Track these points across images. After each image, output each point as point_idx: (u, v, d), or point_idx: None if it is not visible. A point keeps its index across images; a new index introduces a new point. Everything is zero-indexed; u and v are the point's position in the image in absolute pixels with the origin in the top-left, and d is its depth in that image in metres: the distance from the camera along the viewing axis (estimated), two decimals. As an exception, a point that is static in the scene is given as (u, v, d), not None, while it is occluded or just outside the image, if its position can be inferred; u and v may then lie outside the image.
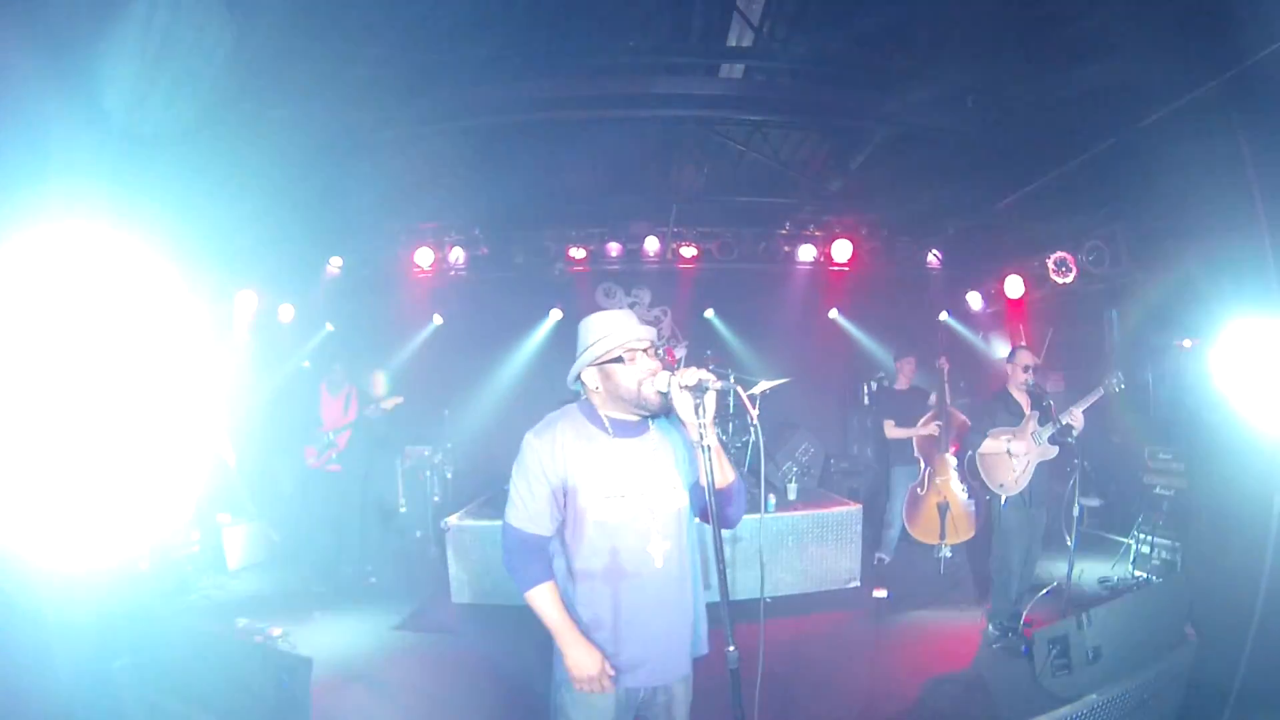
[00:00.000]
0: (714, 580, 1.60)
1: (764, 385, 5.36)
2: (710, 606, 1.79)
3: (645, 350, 1.78)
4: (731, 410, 5.42)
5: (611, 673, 1.72)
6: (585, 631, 1.75)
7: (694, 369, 1.64)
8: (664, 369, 1.76)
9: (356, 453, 5.16)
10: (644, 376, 1.74)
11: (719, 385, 1.62)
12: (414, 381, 6.44)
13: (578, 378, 1.85)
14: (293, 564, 5.51)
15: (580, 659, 1.71)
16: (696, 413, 1.61)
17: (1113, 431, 5.47)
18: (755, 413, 1.66)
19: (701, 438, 1.60)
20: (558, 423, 1.81)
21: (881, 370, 7.39)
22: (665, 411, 1.78)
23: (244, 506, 5.84)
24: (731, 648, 1.53)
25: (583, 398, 1.89)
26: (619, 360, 1.76)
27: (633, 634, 1.76)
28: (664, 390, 1.70)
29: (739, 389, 1.73)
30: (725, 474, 1.74)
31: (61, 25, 2.97)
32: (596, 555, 1.75)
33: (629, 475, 1.77)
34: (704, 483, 1.66)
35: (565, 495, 1.76)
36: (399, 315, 7.21)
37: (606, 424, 1.81)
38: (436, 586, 4.86)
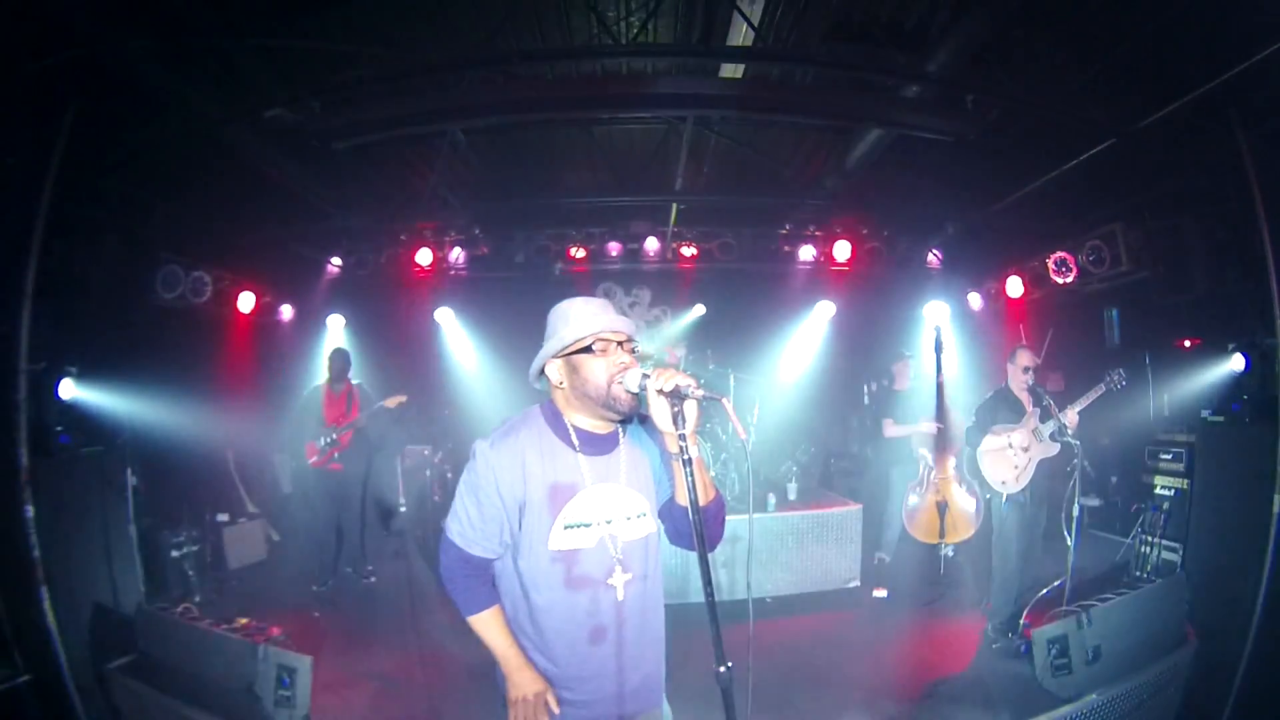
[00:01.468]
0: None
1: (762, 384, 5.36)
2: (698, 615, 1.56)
3: (621, 344, 1.58)
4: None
5: (555, 703, 1.59)
6: (536, 660, 1.61)
7: (672, 372, 1.44)
8: (636, 367, 1.54)
9: (358, 452, 5.16)
10: (616, 372, 1.54)
11: (700, 394, 1.41)
12: (414, 381, 6.44)
13: (541, 372, 1.64)
14: (293, 564, 5.52)
15: (524, 686, 1.57)
16: (675, 422, 1.41)
17: (1102, 434, 5.47)
18: (748, 434, 1.47)
19: (682, 450, 1.41)
20: (519, 431, 1.60)
21: (885, 375, 7.38)
22: (636, 415, 1.63)
23: (244, 506, 5.84)
24: (722, 668, 1.37)
25: (546, 400, 1.69)
26: (589, 350, 1.56)
27: (591, 668, 1.60)
28: (634, 390, 1.50)
29: (726, 403, 1.44)
30: (706, 491, 1.54)
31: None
32: (554, 585, 1.57)
33: (593, 501, 1.58)
34: (681, 499, 1.51)
35: (521, 517, 1.56)
36: (399, 315, 7.20)
37: (573, 436, 1.61)
38: (436, 586, 4.85)
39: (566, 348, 1.57)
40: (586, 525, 1.58)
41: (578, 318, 1.58)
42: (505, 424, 1.66)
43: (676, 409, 1.42)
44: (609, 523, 1.60)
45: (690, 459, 1.42)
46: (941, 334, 4.79)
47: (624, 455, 1.65)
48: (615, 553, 1.60)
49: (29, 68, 3.05)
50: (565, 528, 1.56)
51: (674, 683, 1.84)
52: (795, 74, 4.27)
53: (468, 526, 1.58)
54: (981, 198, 5.63)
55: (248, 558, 5.59)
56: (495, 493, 1.54)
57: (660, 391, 1.43)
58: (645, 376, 1.48)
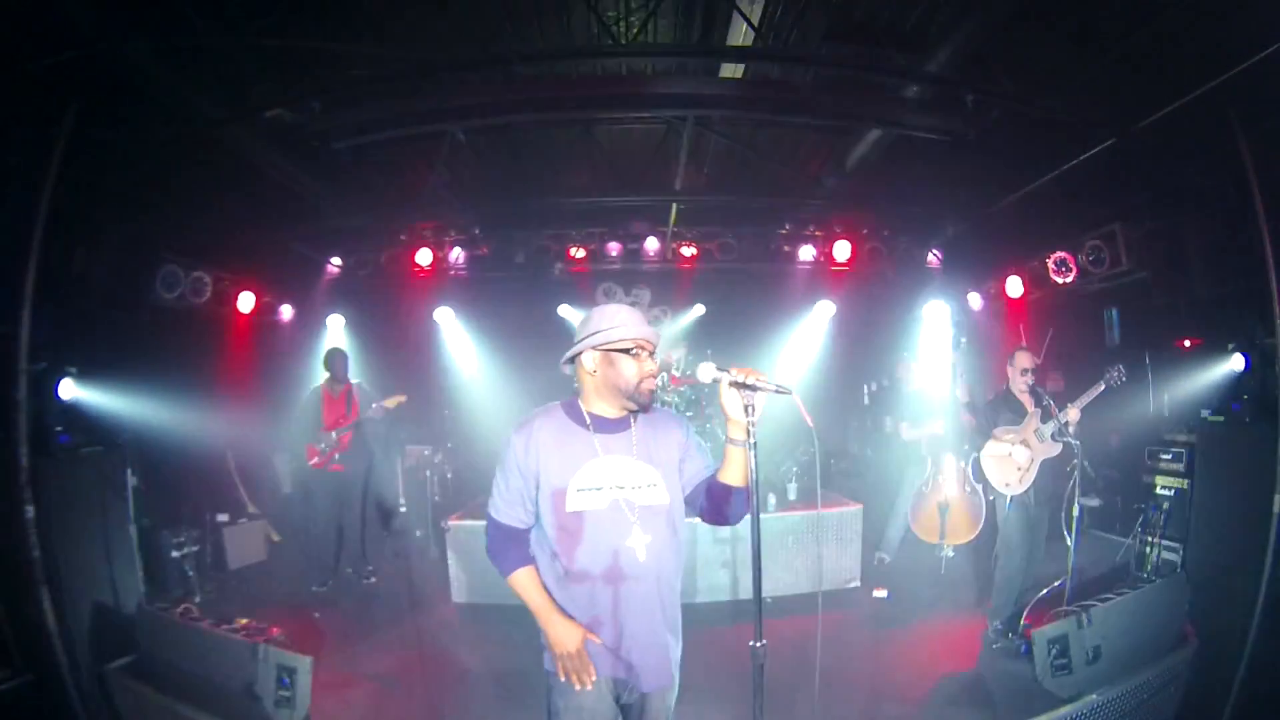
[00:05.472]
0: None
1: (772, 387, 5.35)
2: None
3: (651, 353, 1.83)
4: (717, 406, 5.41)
5: (595, 639, 1.74)
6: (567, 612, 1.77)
7: (749, 368, 1.67)
8: (710, 363, 1.77)
9: (359, 452, 5.15)
10: (645, 375, 1.79)
11: (771, 387, 1.65)
12: (414, 381, 6.44)
13: (573, 358, 1.85)
14: (293, 564, 5.51)
15: (561, 634, 1.73)
16: (746, 412, 1.65)
17: (1111, 432, 5.46)
18: (811, 421, 1.72)
19: (749, 435, 1.64)
20: (536, 419, 1.83)
21: (885, 376, 7.37)
22: (648, 409, 1.83)
23: (244, 506, 5.84)
24: (759, 643, 1.56)
25: (573, 388, 1.93)
26: (627, 352, 1.78)
27: (614, 627, 1.75)
28: (708, 381, 1.71)
29: (795, 397, 1.69)
30: (747, 473, 1.70)
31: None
32: (576, 547, 1.74)
33: (604, 469, 1.77)
34: (725, 478, 1.75)
35: (538, 488, 1.78)
36: (399, 315, 7.20)
37: (587, 419, 1.83)
38: (436, 586, 4.86)
39: (611, 344, 1.78)
40: (598, 489, 1.76)
41: (625, 322, 1.80)
42: (528, 415, 1.87)
43: (748, 400, 1.65)
44: (620, 488, 1.77)
45: (754, 444, 1.64)
46: (958, 335, 4.79)
47: (636, 434, 1.84)
48: (632, 516, 1.76)
49: (29, 68, 3.05)
50: (578, 491, 1.75)
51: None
52: (795, 74, 4.27)
53: (499, 499, 1.83)
54: (981, 198, 5.63)
55: (248, 558, 5.58)
56: (516, 467, 1.78)
57: (734, 384, 1.66)
58: (721, 370, 1.69)
